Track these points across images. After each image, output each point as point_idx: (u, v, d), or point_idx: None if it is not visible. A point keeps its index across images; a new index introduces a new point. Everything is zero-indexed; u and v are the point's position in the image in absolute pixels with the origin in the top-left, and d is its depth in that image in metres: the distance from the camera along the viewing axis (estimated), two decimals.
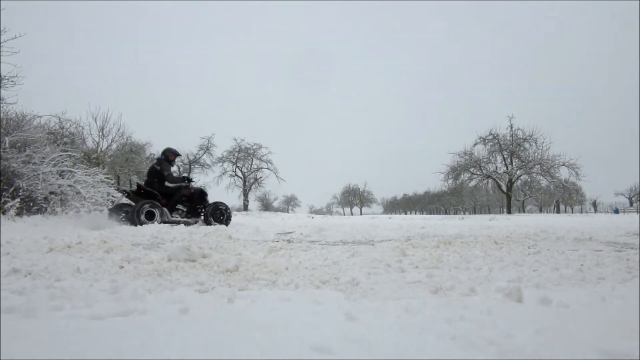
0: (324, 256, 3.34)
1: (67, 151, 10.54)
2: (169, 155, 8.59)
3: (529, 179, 33.24)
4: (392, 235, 5.70)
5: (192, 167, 35.28)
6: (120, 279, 2.27)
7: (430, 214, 55.80)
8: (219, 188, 36.81)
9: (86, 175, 9.62)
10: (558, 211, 42.59)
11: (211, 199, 9.04)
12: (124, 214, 7.56)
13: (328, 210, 69.45)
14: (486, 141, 31.26)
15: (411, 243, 4.39)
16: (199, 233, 5.78)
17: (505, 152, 30.87)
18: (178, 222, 7.99)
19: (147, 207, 7.50)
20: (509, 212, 30.07)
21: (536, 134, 30.06)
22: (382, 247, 4.02)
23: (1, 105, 9.10)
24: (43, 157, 8.65)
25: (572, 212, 45.37)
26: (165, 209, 7.78)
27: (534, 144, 30.16)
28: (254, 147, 36.14)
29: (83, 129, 19.50)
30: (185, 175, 9.08)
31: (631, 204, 50.79)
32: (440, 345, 1.24)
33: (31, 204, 8.05)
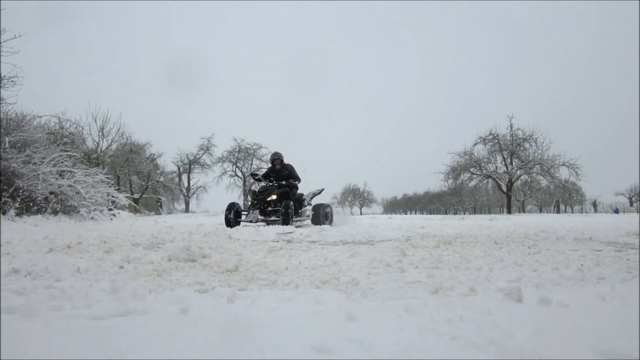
0: (324, 256, 3.34)
1: (67, 151, 10.54)
2: (272, 160, 9.38)
3: (529, 179, 33.22)
4: (392, 235, 5.70)
5: (192, 167, 35.31)
6: (120, 279, 2.27)
7: (430, 214, 55.77)
8: (219, 188, 36.84)
9: (86, 175, 9.62)
10: (558, 211, 42.57)
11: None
12: None
13: None
14: (486, 141, 31.26)
15: (411, 243, 4.39)
16: (199, 233, 5.79)
17: (505, 152, 30.86)
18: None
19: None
20: (509, 212, 30.06)
21: (536, 134, 30.09)
22: (382, 247, 4.02)
23: (1, 105, 9.10)
24: (43, 157, 8.65)
25: (572, 212, 45.37)
26: (250, 210, 8.66)
27: (534, 144, 30.18)
28: (254, 147, 36.17)
29: (83, 129, 19.55)
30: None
31: (631, 204, 50.79)
32: (440, 345, 1.24)
33: (31, 204, 8.05)
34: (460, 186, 33.47)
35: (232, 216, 8.37)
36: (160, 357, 1.12)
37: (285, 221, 7.97)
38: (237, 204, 8.82)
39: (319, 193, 10.05)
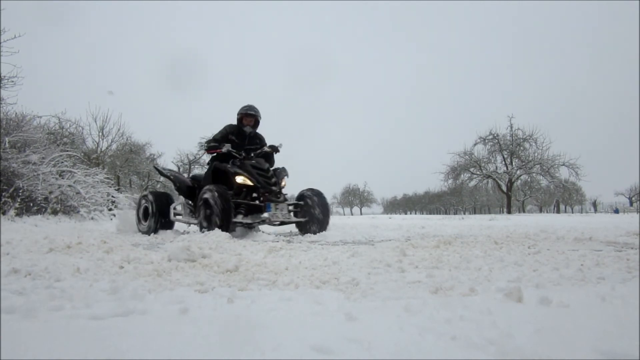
0: (324, 256, 3.33)
1: (67, 151, 10.54)
2: (241, 117, 5.85)
3: (529, 179, 33.26)
4: (392, 235, 5.70)
5: (192, 167, 35.30)
6: (120, 279, 2.27)
7: (430, 214, 55.77)
8: None
9: (86, 175, 9.62)
10: (558, 211, 42.57)
11: None
12: None
13: None
14: (486, 141, 31.29)
15: (411, 243, 4.38)
16: (199, 233, 5.78)
17: (505, 152, 30.89)
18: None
19: None
20: (509, 212, 30.06)
21: (536, 134, 30.13)
22: (382, 247, 4.01)
23: (1, 105, 9.11)
24: (43, 157, 8.65)
25: (572, 212, 45.37)
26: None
27: (534, 144, 30.24)
28: None
29: (83, 129, 19.56)
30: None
31: (631, 204, 50.86)
32: (440, 345, 1.24)
33: (31, 204, 8.05)
34: (460, 186, 33.53)
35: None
36: (160, 357, 1.12)
37: (323, 227, 5.31)
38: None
39: None
